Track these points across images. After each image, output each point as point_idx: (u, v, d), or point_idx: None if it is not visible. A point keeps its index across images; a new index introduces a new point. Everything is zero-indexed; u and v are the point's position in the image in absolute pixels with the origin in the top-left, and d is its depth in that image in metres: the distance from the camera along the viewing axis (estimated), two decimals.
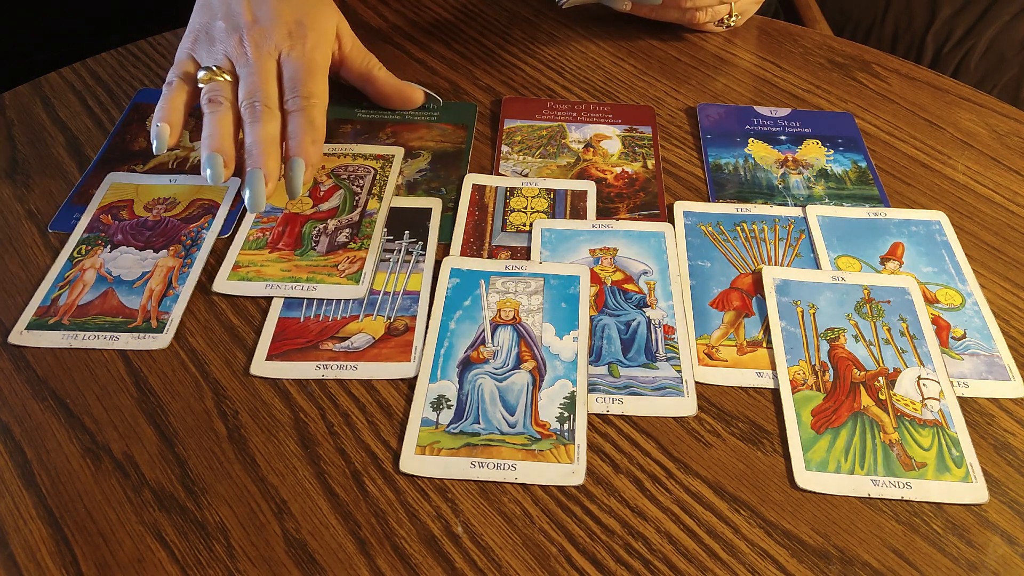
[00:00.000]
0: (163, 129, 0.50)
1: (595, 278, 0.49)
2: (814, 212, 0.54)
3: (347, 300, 0.48)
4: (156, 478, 0.40)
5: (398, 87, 0.60)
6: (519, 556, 0.37)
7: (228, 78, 0.52)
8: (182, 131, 0.54)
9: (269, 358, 0.45)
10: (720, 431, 0.42)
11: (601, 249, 0.51)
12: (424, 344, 0.45)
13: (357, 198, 0.54)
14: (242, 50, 0.53)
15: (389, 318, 0.47)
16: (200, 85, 0.52)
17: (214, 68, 0.52)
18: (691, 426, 0.42)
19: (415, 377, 0.44)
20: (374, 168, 0.57)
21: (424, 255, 0.51)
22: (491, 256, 0.51)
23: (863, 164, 0.58)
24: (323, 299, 0.48)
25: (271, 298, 0.48)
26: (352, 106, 0.62)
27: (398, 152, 0.58)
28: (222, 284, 0.49)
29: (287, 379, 0.44)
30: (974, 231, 0.53)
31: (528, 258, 0.51)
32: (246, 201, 0.49)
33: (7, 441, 0.41)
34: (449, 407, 0.43)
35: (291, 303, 0.48)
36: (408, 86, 0.60)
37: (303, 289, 0.48)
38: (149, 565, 0.36)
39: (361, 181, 0.56)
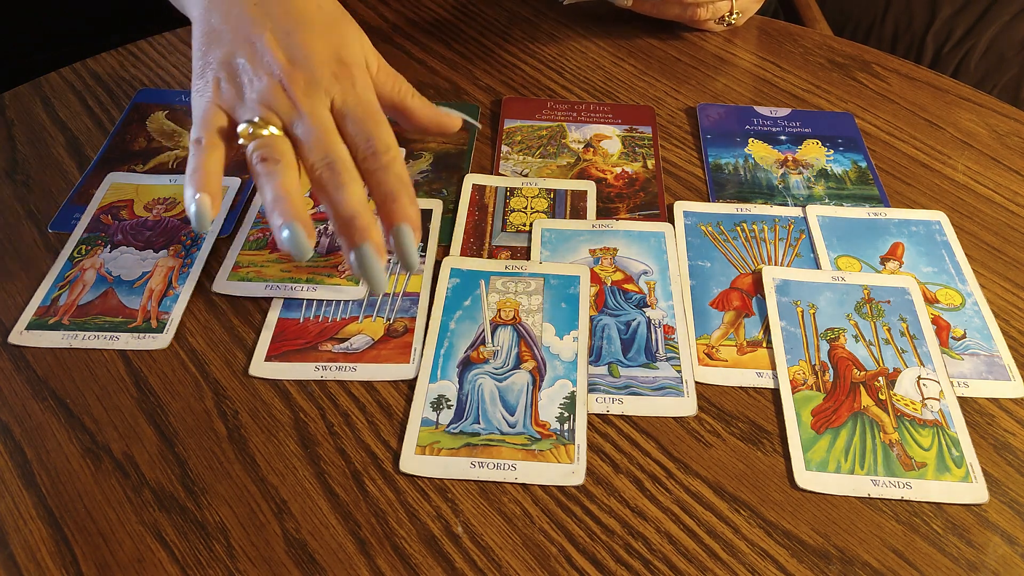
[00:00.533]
0: (203, 201, 0.42)
1: (595, 278, 0.49)
2: (814, 212, 0.54)
3: (347, 301, 0.48)
4: (156, 478, 0.40)
5: (435, 117, 0.51)
6: (519, 556, 0.37)
7: (277, 131, 0.44)
8: (222, 196, 0.44)
9: (268, 359, 0.45)
10: (720, 431, 0.42)
11: (601, 249, 0.51)
12: (423, 346, 0.45)
13: None
14: (288, 101, 0.45)
15: (388, 319, 0.47)
16: (241, 141, 0.45)
17: (257, 120, 0.44)
18: (691, 426, 0.42)
19: (414, 378, 0.44)
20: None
21: (424, 256, 0.51)
22: (491, 256, 0.51)
23: (863, 164, 0.58)
24: (323, 300, 0.48)
25: (271, 298, 0.48)
26: None
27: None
28: (222, 284, 0.49)
29: (280, 379, 0.44)
30: (974, 231, 0.53)
31: (528, 258, 0.51)
32: (370, 285, 0.42)
33: (7, 441, 0.41)
34: (449, 407, 0.43)
35: (291, 304, 0.48)
36: (445, 114, 0.52)
37: (303, 290, 0.48)
38: (149, 565, 0.36)
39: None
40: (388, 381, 0.44)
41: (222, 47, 0.47)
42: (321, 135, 0.44)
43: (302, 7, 0.49)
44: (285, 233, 0.41)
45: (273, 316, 0.47)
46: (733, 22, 0.70)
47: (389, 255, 0.44)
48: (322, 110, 0.45)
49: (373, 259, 0.42)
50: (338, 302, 0.48)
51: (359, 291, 0.48)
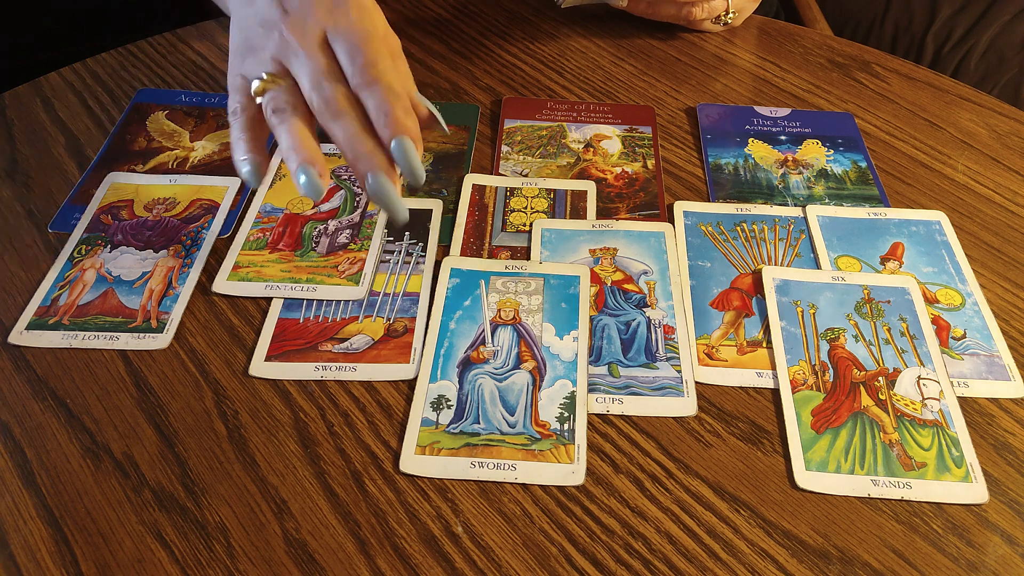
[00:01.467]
0: (252, 162, 0.45)
1: (595, 278, 0.49)
2: (814, 212, 0.54)
3: (347, 301, 0.48)
4: (156, 478, 0.40)
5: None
6: (519, 556, 0.37)
7: (283, 81, 0.46)
8: (268, 156, 0.47)
9: (268, 359, 0.45)
10: (720, 431, 0.42)
11: (601, 249, 0.51)
12: (424, 346, 0.45)
13: (358, 199, 0.54)
14: (286, 45, 0.47)
15: (389, 319, 0.47)
16: (258, 99, 0.47)
17: (265, 76, 0.46)
18: (691, 426, 0.42)
19: (414, 378, 0.44)
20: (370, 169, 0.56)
21: (424, 256, 0.51)
22: (491, 256, 0.51)
23: (863, 164, 0.58)
24: (323, 300, 0.48)
25: (271, 298, 0.48)
26: None
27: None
28: (222, 284, 0.49)
29: (280, 379, 0.44)
30: (974, 231, 0.53)
31: (528, 258, 0.51)
32: (387, 212, 0.43)
33: (7, 441, 0.41)
34: (449, 407, 0.43)
35: (291, 304, 0.48)
36: (418, 106, 0.50)
37: (303, 290, 0.48)
38: (149, 565, 0.36)
39: None
40: (388, 381, 0.44)
41: (244, 29, 0.49)
42: (312, 68, 0.45)
43: None
44: (302, 178, 0.43)
45: (273, 316, 0.47)
46: (729, 22, 0.69)
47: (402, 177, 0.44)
48: (313, 44, 0.46)
49: (382, 186, 0.42)
50: (338, 302, 0.48)
51: (359, 291, 0.48)
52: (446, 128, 0.51)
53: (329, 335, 0.46)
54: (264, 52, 0.47)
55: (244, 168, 0.45)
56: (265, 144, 0.47)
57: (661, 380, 0.44)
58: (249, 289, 0.48)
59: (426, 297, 0.48)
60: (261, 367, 0.44)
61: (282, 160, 0.57)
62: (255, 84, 0.46)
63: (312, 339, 0.46)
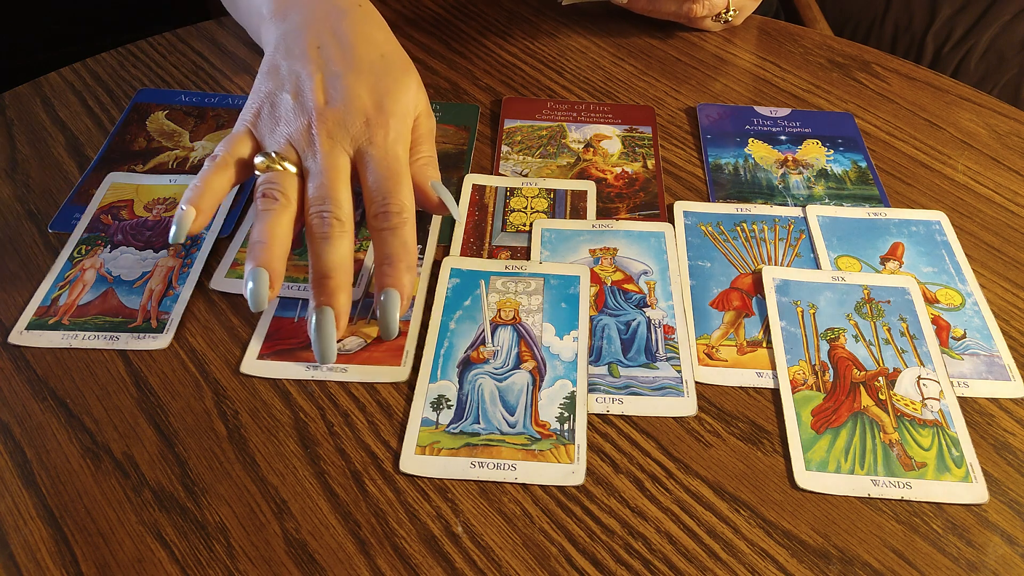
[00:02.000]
0: (187, 214, 0.43)
1: (595, 278, 0.49)
2: (814, 212, 0.54)
3: None
4: (156, 478, 0.40)
5: (430, 201, 0.49)
6: (519, 556, 0.37)
7: (292, 169, 0.45)
8: (212, 214, 0.45)
9: (260, 357, 0.45)
10: (720, 431, 0.42)
11: (601, 249, 0.51)
12: (423, 348, 0.45)
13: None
14: (310, 138, 0.45)
15: None
16: (256, 172, 0.45)
17: (274, 155, 0.45)
18: (691, 426, 0.42)
19: (406, 381, 0.44)
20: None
21: (422, 259, 0.51)
22: (491, 256, 0.51)
23: (863, 164, 0.58)
24: None
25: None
26: None
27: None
28: (220, 281, 0.49)
29: (279, 379, 0.44)
30: (974, 231, 0.53)
31: (528, 258, 0.51)
32: (317, 349, 0.41)
33: (7, 441, 0.41)
34: (449, 407, 0.43)
35: (286, 303, 0.48)
36: (439, 202, 0.49)
37: (299, 289, 0.48)
38: (149, 565, 0.36)
39: None
40: (382, 383, 0.44)
41: (276, 81, 0.48)
42: (325, 180, 0.44)
43: (362, 54, 0.49)
44: (249, 284, 0.41)
45: (268, 314, 0.47)
46: (730, 19, 0.69)
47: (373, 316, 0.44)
48: (338, 155, 0.45)
49: (328, 326, 0.41)
50: None
51: (355, 292, 0.48)
52: (458, 216, 0.51)
53: None
54: (284, 127, 0.46)
55: (176, 215, 0.43)
56: (216, 203, 0.45)
57: (661, 380, 0.44)
58: None
59: (421, 300, 0.48)
60: (253, 365, 0.44)
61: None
62: (259, 159, 0.45)
63: (305, 339, 0.46)
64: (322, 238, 0.42)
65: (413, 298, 0.47)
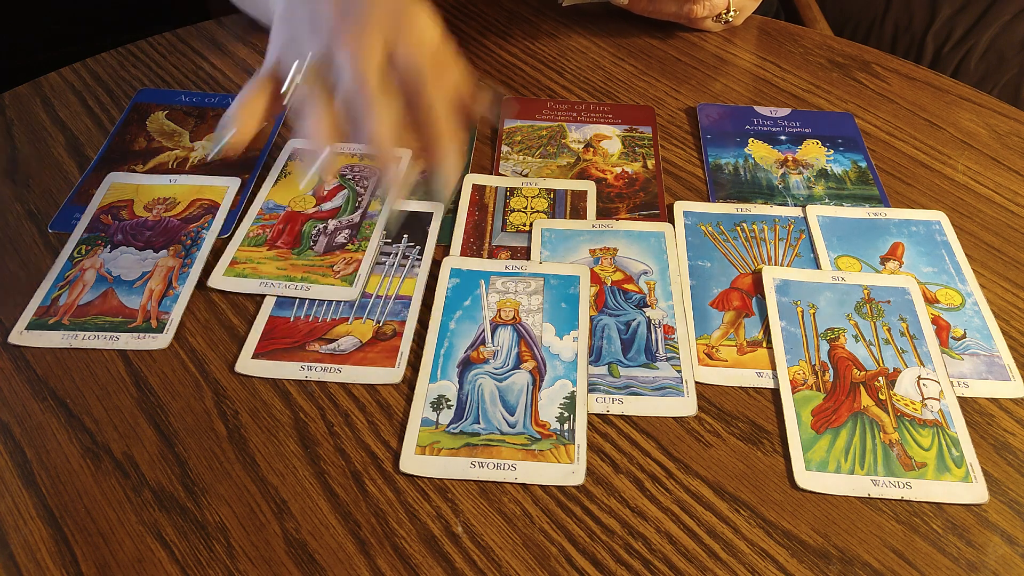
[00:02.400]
0: (225, 130, 0.46)
1: (595, 278, 0.49)
2: (814, 212, 0.54)
3: (338, 302, 0.48)
4: (156, 478, 0.40)
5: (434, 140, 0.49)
6: (519, 556, 0.37)
7: (321, 76, 0.46)
8: (250, 133, 0.47)
9: (255, 356, 0.45)
10: (720, 431, 0.42)
11: (601, 249, 0.51)
12: (423, 347, 0.45)
13: (360, 199, 0.54)
14: (337, 42, 0.46)
15: (378, 322, 0.47)
16: (283, 89, 0.46)
17: (304, 71, 0.46)
18: (691, 426, 0.42)
19: (400, 383, 0.44)
20: (380, 170, 0.56)
21: (420, 260, 0.51)
22: (491, 256, 0.51)
23: (863, 164, 0.58)
24: (315, 300, 0.48)
25: (264, 296, 0.48)
26: None
27: (405, 153, 0.58)
28: (218, 280, 0.49)
29: (273, 378, 0.44)
30: (974, 231, 0.53)
31: (528, 258, 0.51)
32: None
33: (7, 441, 0.41)
34: (449, 407, 0.43)
35: (283, 302, 0.48)
36: (444, 155, 0.48)
37: (296, 288, 0.48)
38: (149, 565, 0.36)
39: (366, 182, 0.56)
40: (377, 384, 0.44)
41: (291, 28, 0.49)
42: (360, 62, 0.44)
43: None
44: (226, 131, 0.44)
45: (264, 313, 0.47)
46: (730, 20, 0.69)
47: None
48: (370, 51, 0.45)
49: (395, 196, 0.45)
50: (330, 302, 0.48)
51: (352, 292, 0.48)
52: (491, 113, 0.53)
53: (318, 335, 0.46)
54: (307, 47, 0.46)
55: (222, 129, 0.45)
56: (256, 123, 0.47)
57: (661, 380, 0.44)
58: (244, 286, 0.48)
59: (418, 301, 0.48)
60: (248, 365, 0.44)
61: (288, 158, 0.57)
62: (290, 76, 0.46)
63: (301, 338, 0.46)
64: (368, 106, 0.44)
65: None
